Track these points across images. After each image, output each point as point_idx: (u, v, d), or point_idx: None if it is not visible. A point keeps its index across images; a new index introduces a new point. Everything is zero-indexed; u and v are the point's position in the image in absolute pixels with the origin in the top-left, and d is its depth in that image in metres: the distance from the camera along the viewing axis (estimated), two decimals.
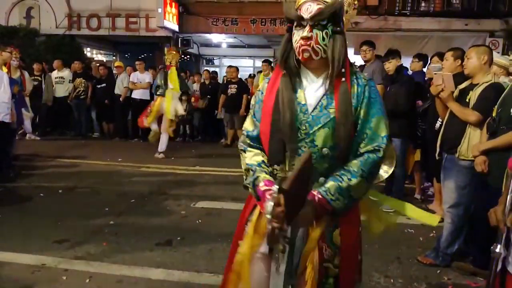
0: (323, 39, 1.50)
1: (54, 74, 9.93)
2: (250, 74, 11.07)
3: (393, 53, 4.95)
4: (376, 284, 3.12)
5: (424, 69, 5.89)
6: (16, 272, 3.18)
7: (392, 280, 3.18)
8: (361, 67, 6.39)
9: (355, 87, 1.54)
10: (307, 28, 1.50)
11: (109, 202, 4.86)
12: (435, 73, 3.58)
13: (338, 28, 1.51)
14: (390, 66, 4.84)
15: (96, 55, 15.73)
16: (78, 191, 5.41)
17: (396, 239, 3.97)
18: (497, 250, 1.65)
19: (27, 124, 8.72)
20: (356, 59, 7.85)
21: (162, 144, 7.49)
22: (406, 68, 6.46)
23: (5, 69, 5.71)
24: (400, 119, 4.61)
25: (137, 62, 9.59)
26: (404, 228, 4.26)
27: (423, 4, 11.74)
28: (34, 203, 4.90)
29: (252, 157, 1.61)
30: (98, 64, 11.16)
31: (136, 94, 9.40)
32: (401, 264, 3.46)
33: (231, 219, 4.36)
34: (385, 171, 5.00)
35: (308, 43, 1.49)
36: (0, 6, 13.54)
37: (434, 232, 4.04)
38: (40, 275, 3.15)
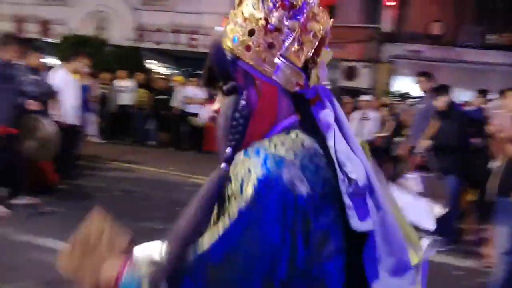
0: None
1: (119, 83, 10.55)
2: None
3: (441, 89, 4.91)
4: None
5: (485, 105, 5.74)
6: None
7: None
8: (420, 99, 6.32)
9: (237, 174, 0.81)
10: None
11: (159, 208, 5.07)
12: (495, 112, 3.50)
13: (225, 87, 0.89)
14: (438, 103, 4.80)
15: (159, 67, 16.53)
16: (132, 194, 5.74)
17: (443, 281, 3.83)
18: None
19: (92, 128, 9.30)
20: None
21: None
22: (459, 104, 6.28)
23: (75, 76, 6.17)
24: (453, 154, 4.57)
25: (192, 79, 10.04)
26: (453, 270, 4.13)
27: (490, 36, 11.31)
28: (92, 202, 5.24)
29: None
30: (159, 77, 11.75)
31: (192, 109, 9.79)
32: None
33: None
34: (437, 213, 4.84)
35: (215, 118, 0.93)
36: (75, 15, 14.69)
37: (483, 277, 3.84)
38: None
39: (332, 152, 0.83)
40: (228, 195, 0.81)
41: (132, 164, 7.66)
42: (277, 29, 0.85)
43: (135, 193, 5.80)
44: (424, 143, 4.97)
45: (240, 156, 0.82)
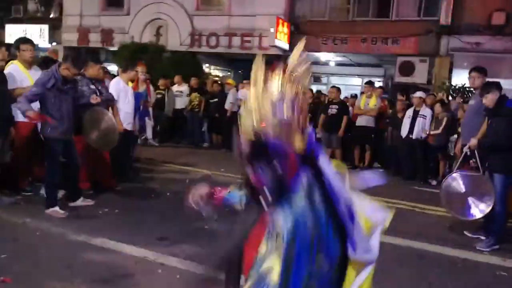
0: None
1: (175, 88, 11.04)
2: (351, 94, 10.98)
3: (489, 87, 4.68)
4: None
5: None
6: (123, 261, 3.75)
7: None
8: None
9: None
10: None
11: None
12: None
13: (269, 160, 1.33)
14: (486, 101, 4.60)
15: (214, 70, 17.02)
16: (183, 195, 5.98)
17: (485, 280, 3.76)
18: None
19: (149, 131, 9.84)
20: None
21: None
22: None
23: (130, 84, 6.59)
24: (503, 153, 4.41)
25: (244, 81, 10.25)
26: (497, 270, 3.99)
27: None
28: (146, 202, 5.61)
29: None
30: (212, 80, 12.13)
31: None
32: None
33: None
34: (481, 210, 4.76)
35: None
36: (135, 23, 15.53)
37: None
38: (141, 266, 3.68)
39: (331, 185, 1.32)
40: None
41: (185, 166, 8.03)
42: (293, 118, 1.30)
43: (185, 194, 6.06)
44: (472, 142, 4.80)
45: (279, 209, 1.34)
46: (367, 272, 1.41)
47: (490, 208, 4.47)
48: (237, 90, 10.49)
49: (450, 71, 12.78)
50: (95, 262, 3.71)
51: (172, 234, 4.45)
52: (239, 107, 10.16)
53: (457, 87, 12.04)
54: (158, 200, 5.75)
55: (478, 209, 4.58)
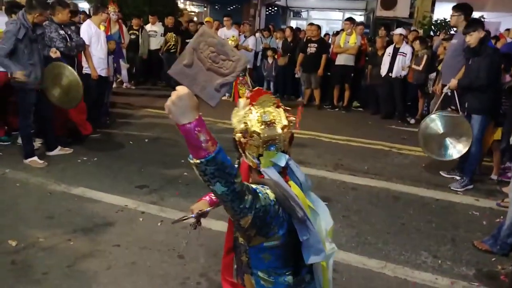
0: None
1: (148, 27, 10.49)
2: (333, 32, 10.69)
3: (474, 25, 4.54)
4: (421, 263, 3.16)
5: None
6: (104, 210, 3.76)
7: (440, 261, 3.20)
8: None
9: None
10: None
11: (186, 155, 5.26)
12: None
13: None
14: (471, 39, 4.47)
15: (189, 6, 16.25)
16: (161, 141, 5.96)
17: (457, 220, 3.91)
18: None
19: (124, 74, 9.49)
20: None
21: None
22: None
23: (102, 28, 6.23)
24: (481, 94, 4.41)
25: (225, 18, 9.80)
26: (469, 209, 4.15)
27: None
28: (124, 149, 5.54)
29: None
30: (187, 19, 11.54)
31: None
32: (454, 247, 3.43)
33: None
34: (458, 151, 4.82)
35: None
36: None
37: (501, 217, 3.85)
38: (122, 214, 3.70)
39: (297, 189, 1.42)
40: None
41: (163, 110, 7.82)
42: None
43: (163, 140, 6.01)
44: (453, 82, 4.78)
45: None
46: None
47: (467, 148, 4.54)
48: (216, 30, 10.05)
49: (433, 4, 12.53)
50: (76, 212, 3.71)
51: (152, 181, 4.46)
52: None
53: (438, 21, 11.87)
54: (136, 146, 5.69)
55: (456, 150, 4.64)
